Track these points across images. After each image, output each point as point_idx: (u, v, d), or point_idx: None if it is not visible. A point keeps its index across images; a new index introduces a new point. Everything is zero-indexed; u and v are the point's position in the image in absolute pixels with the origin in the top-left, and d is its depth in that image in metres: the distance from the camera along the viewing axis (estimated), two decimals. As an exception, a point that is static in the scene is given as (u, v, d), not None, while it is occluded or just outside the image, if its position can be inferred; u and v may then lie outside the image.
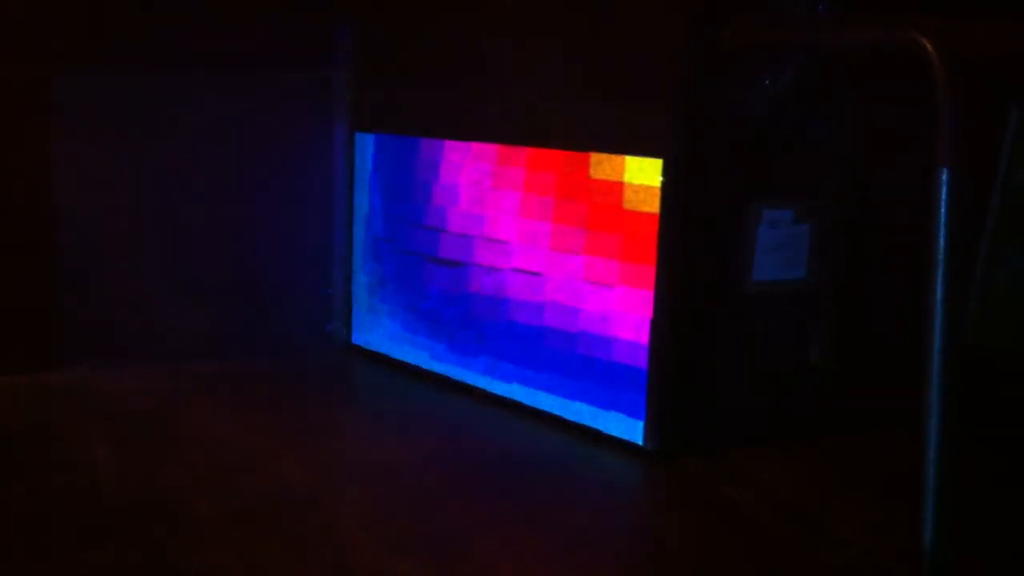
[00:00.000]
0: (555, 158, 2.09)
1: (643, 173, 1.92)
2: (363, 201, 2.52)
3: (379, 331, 2.50)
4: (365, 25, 2.48)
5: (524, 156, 2.15)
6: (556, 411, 2.12)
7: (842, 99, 2.07)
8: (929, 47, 1.46)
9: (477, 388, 2.28)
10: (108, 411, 2.11)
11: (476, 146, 2.24)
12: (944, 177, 1.41)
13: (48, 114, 2.26)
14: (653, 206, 1.91)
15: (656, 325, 1.92)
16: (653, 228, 1.91)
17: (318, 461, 1.92)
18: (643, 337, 1.94)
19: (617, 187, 1.97)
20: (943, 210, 1.42)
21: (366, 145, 2.50)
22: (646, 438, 1.96)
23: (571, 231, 2.05)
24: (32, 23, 2.22)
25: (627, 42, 1.94)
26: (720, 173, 1.95)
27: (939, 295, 1.43)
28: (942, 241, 1.42)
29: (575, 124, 2.04)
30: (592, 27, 2.01)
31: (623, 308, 1.97)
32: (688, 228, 1.92)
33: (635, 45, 1.93)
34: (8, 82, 2.22)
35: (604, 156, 1.99)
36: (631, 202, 1.94)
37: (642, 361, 1.95)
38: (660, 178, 1.89)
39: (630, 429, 1.98)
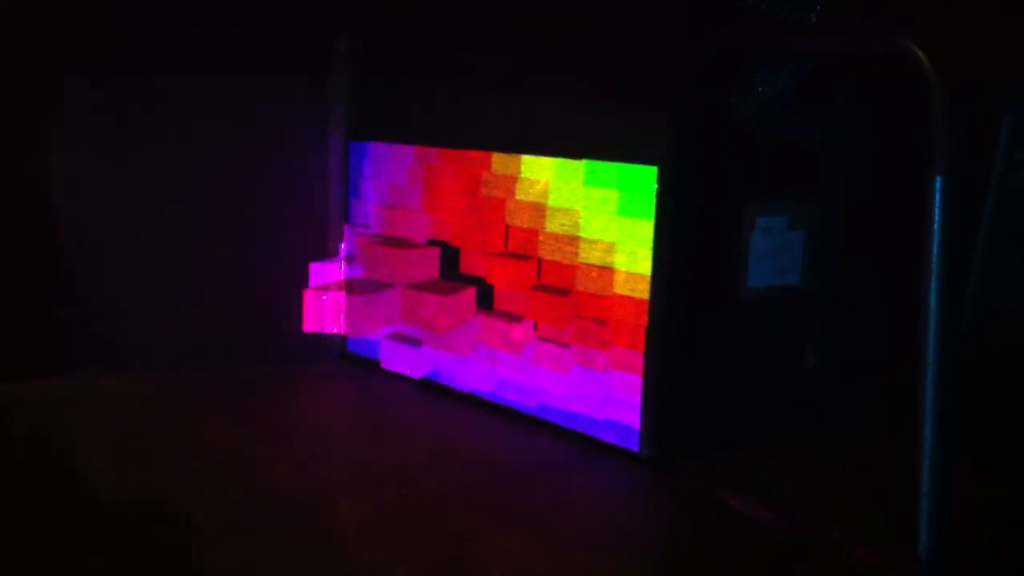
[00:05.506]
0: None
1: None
2: (358, 207, 2.52)
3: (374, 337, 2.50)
4: (362, 34, 2.48)
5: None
6: (551, 418, 2.13)
7: (836, 103, 2.08)
8: (924, 54, 1.46)
9: (472, 394, 2.28)
10: (107, 417, 2.11)
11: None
12: (939, 184, 1.41)
13: (47, 119, 2.26)
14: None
15: (651, 331, 1.93)
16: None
17: (317, 466, 1.92)
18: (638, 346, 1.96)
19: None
20: (938, 216, 1.42)
21: (361, 153, 2.51)
22: (642, 444, 1.96)
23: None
24: (32, 28, 2.22)
25: (620, 51, 1.94)
26: (715, 179, 1.95)
27: (935, 299, 1.43)
28: (937, 247, 1.43)
29: (569, 132, 2.05)
30: (587, 36, 2.01)
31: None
32: (682, 235, 1.92)
33: (628, 54, 1.93)
34: (7, 86, 2.21)
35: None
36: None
37: (637, 368, 1.96)
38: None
39: (626, 436, 1.99)
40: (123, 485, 1.80)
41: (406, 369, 2.40)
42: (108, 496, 1.75)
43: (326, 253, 2.53)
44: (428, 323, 2.26)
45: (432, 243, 2.33)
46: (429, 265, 2.30)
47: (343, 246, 2.52)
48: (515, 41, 2.14)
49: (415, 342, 2.36)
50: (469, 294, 2.23)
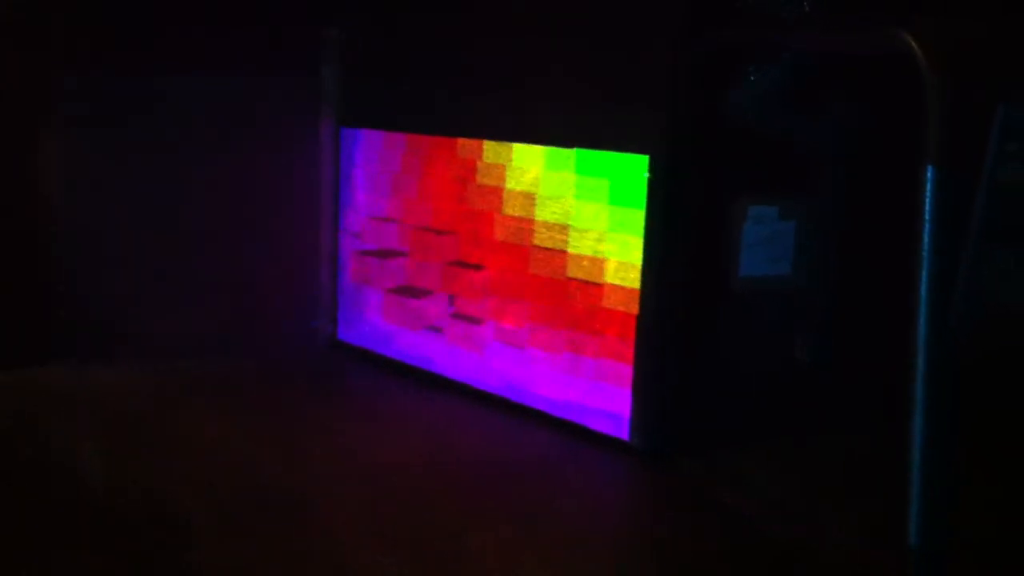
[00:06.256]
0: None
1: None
2: (348, 196, 2.54)
3: (364, 327, 2.50)
4: (357, 28, 2.48)
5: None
6: (546, 408, 2.12)
7: (830, 97, 2.07)
8: (917, 48, 1.45)
9: (464, 384, 2.28)
10: (100, 411, 2.12)
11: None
12: (929, 175, 1.41)
13: (47, 119, 2.27)
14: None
15: (642, 320, 1.93)
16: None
17: (310, 461, 1.92)
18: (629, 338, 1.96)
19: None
20: (928, 208, 1.41)
21: (353, 143, 2.51)
22: (632, 433, 1.96)
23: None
24: (32, 28, 2.23)
25: (615, 43, 1.95)
26: (706, 170, 1.95)
27: (924, 293, 1.42)
28: (927, 239, 1.42)
29: (562, 121, 2.05)
30: (580, 28, 2.01)
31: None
32: (674, 225, 1.92)
33: (623, 46, 1.93)
34: (7, 86, 2.23)
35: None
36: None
37: (627, 356, 1.96)
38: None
39: (616, 424, 1.98)
40: (122, 483, 1.80)
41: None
42: (106, 494, 1.75)
43: (319, 245, 2.53)
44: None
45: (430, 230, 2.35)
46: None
47: (343, 237, 2.53)
48: (515, 40, 2.14)
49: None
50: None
